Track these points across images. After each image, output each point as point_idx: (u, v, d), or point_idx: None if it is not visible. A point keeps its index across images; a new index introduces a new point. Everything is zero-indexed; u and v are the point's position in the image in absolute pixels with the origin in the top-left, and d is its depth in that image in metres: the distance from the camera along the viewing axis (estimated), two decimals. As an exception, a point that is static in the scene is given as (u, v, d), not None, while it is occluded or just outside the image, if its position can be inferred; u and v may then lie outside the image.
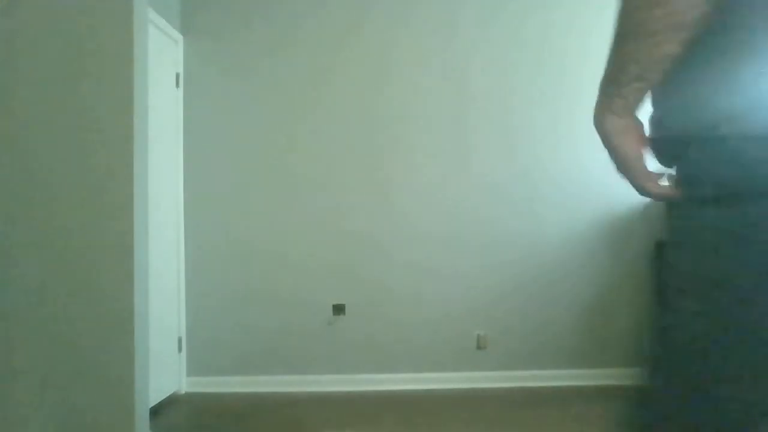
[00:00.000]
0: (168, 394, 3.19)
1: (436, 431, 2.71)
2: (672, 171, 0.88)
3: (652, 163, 0.89)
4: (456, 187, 3.42)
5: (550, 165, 3.45)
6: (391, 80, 3.46)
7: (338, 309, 3.42)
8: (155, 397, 2.94)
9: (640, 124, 0.90)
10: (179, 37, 3.47)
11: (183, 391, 3.36)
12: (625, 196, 3.43)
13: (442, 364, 3.35)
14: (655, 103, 0.90)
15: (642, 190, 0.90)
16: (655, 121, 0.89)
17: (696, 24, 0.78)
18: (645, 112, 0.92)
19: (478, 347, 3.40)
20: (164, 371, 3.15)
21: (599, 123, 0.96)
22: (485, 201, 3.38)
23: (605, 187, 3.43)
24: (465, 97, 3.44)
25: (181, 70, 3.48)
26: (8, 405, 2.26)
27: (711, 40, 0.79)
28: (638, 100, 0.89)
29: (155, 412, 2.87)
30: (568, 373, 3.36)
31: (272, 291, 3.44)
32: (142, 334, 2.34)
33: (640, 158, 0.89)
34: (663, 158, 0.89)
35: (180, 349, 3.37)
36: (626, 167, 0.89)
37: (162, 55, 3.23)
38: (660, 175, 0.89)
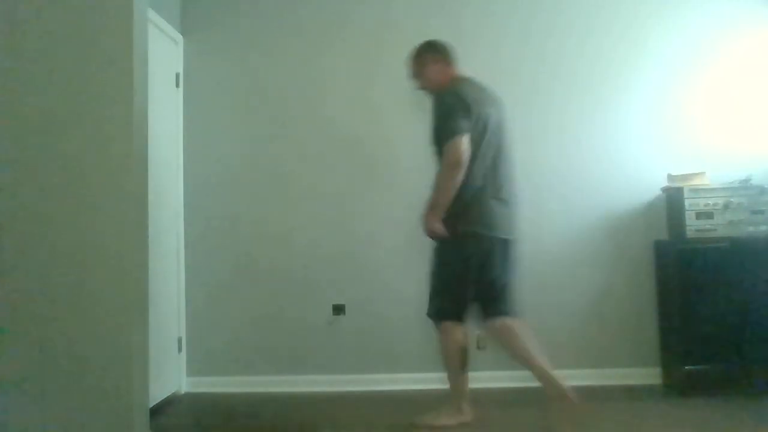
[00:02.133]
0: (168, 394, 3.19)
1: (435, 431, 2.71)
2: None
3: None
4: (456, 187, 3.41)
5: (550, 165, 3.45)
6: (392, 79, 3.45)
7: (338, 309, 3.42)
8: (155, 397, 2.94)
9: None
10: (179, 37, 3.47)
11: (183, 391, 3.36)
12: (625, 196, 3.43)
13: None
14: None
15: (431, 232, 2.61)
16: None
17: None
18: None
19: (478, 347, 3.39)
20: (164, 371, 3.14)
21: (428, 223, 2.60)
22: (485, 201, 3.38)
23: (605, 187, 3.43)
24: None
25: (181, 70, 3.48)
26: (8, 405, 2.26)
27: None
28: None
29: (155, 412, 2.86)
30: (568, 373, 3.33)
31: (272, 291, 3.44)
32: (142, 334, 2.34)
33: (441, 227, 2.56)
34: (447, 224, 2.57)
35: (180, 349, 3.37)
36: (432, 233, 2.61)
37: (162, 55, 3.23)
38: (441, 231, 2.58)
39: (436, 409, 2.75)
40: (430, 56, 2.80)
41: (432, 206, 2.57)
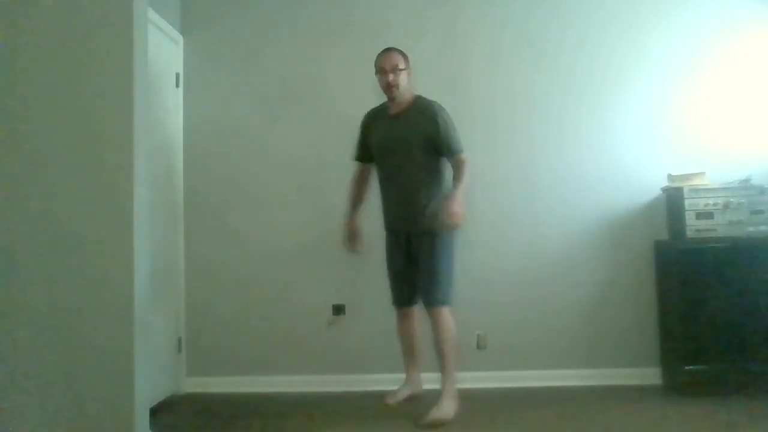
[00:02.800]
0: (168, 394, 3.19)
1: (435, 431, 2.71)
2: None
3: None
4: (456, 187, 3.41)
5: (550, 165, 3.45)
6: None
7: (338, 309, 3.42)
8: (155, 397, 2.94)
9: None
10: (179, 37, 3.47)
11: (183, 391, 3.36)
12: (625, 196, 3.43)
13: (442, 364, 3.34)
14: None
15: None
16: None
17: None
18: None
19: (478, 347, 3.40)
20: (164, 371, 3.14)
21: (460, 210, 2.74)
22: (485, 201, 3.38)
23: (605, 187, 3.43)
24: (464, 96, 3.44)
25: (181, 70, 3.48)
26: (8, 405, 2.26)
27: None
28: None
29: (155, 412, 2.86)
30: (569, 373, 3.36)
31: (272, 291, 3.44)
32: (142, 334, 2.34)
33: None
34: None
35: (180, 349, 3.37)
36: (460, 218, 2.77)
37: (162, 55, 3.23)
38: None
39: (437, 404, 2.77)
40: (408, 66, 3.00)
41: (460, 196, 2.77)
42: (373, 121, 3.09)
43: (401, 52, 2.97)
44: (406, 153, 2.91)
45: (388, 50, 2.97)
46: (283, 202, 3.47)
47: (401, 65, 2.93)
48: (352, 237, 3.14)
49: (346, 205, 3.19)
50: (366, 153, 3.11)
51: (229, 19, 3.54)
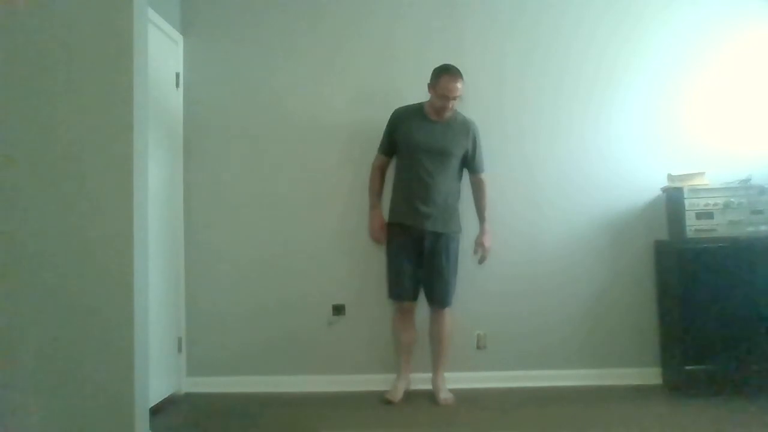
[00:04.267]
0: (168, 394, 3.19)
1: (435, 431, 2.71)
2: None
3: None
4: (456, 187, 3.41)
5: (552, 165, 3.45)
6: (392, 80, 3.45)
7: (338, 309, 3.42)
8: (155, 397, 2.94)
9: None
10: (179, 37, 3.47)
11: (183, 391, 3.36)
12: (625, 196, 3.43)
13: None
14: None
15: None
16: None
17: None
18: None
19: (478, 347, 3.40)
20: (164, 371, 3.14)
21: None
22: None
23: (605, 188, 3.43)
24: (464, 97, 3.43)
25: (181, 70, 3.48)
26: (8, 405, 2.26)
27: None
28: None
29: (155, 412, 2.86)
30: (569, 373, 3.36)
31: (272, 291, 3.43)
32: (142, 334, 2.34)
33: None
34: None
35: (180, 349, 3.37)
36: None
37: (162, 55, 3.23)
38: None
39: (440, 390, 3.09)
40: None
41: (491, 230, 3.21)
42: (408, 119, 3.12)
43: (461, 75, 3.01)
44: (445, 159, 3.03)
45: (455, 75, 2.99)
46: (283, 202, 3.47)
47: (462, 93, 3.03)
48: (384, 228, 3.19)
49: (369, 197, 3.26)
50: (392, 147, 3.19)
51: (229, 20, 3.54)
